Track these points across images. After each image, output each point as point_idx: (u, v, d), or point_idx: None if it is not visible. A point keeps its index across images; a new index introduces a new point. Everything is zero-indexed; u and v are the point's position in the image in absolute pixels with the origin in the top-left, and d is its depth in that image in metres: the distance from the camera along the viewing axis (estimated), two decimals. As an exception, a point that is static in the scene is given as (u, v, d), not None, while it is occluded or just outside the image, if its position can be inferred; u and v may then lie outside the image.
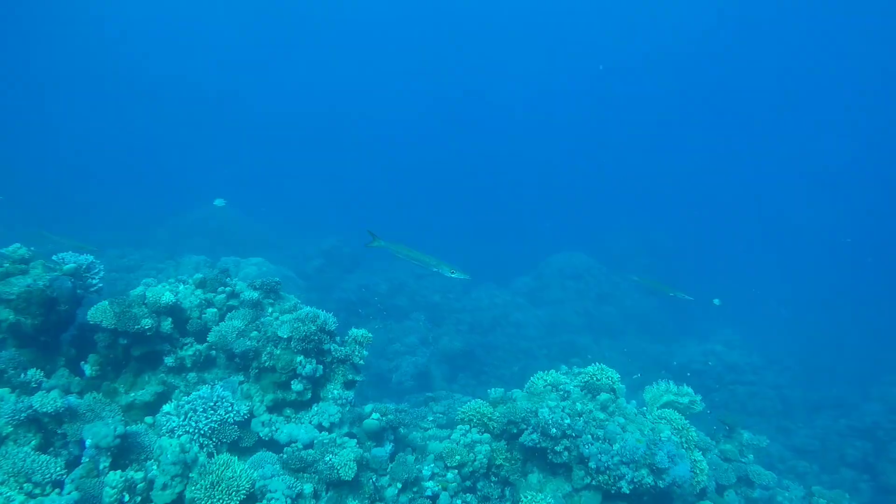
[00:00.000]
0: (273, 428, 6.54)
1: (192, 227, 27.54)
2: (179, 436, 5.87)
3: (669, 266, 29.32)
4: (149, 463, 5.29)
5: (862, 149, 60.43)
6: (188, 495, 4.97)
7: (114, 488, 4.70)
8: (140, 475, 4.96)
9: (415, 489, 6.20)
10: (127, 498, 4.77)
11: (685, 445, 6.77)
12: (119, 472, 4.85)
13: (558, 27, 67.38)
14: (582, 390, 7.07)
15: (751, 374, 17.44)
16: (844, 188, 58.94)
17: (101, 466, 5.12)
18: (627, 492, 6.13)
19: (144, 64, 64.09)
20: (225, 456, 5.30)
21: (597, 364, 7.38)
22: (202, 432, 6.03)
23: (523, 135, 70.41)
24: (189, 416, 6.06)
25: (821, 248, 46.58)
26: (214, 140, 61.16)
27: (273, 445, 6.48)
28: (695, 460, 6.74)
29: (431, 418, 8.20)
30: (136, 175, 45.45)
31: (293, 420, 6.72)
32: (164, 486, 4.94)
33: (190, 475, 5.08)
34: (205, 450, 5.98)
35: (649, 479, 6.17)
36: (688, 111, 69.44)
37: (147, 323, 6.53)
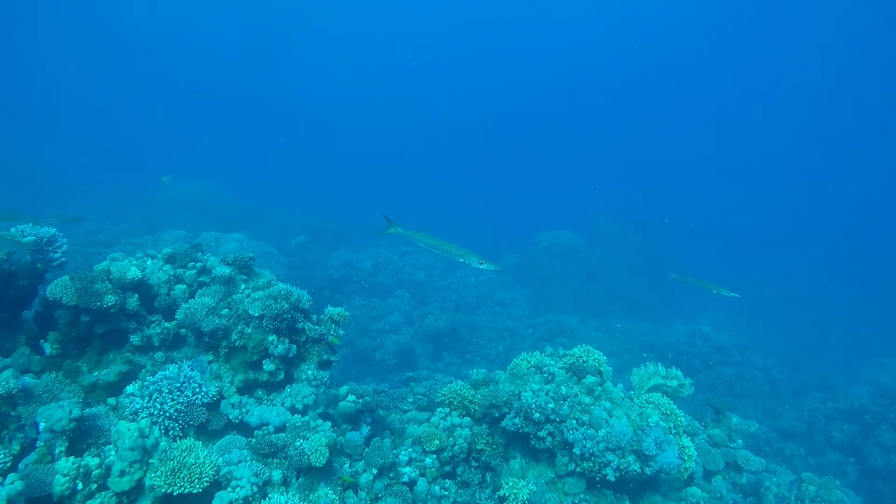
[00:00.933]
0: (243, 410, 6.24)
1: (173, 201, 26.96)
2: (143, 418, 5.57)
3: (657, 245, 29.10)
4: (107, 448, 4.98)
5: (853, 132, 60.47)
6: (147, 482, 4.67)
7: (65, 476, 4.39)
8: (96, 461, 4.64)
9: (391, 475, 5.95)
10: (81, 486, 4.46)
11: (673, 431, 6.54)
12: (72, 458, 4.53)
13: (541, 9, 66.65)
14: (567, 373, 6.81)
15: (738, 354, 17.30)
16: (834, 172, 59.10)
17: (56, 451, 4.80)
18: (613, 479, 5.90)
19: (134, 45, 63.02)
20: (188, 441, 4.98)
21: (583, 345, 7.11)
22: (167, 414, 5.72)
23: (510, 113, 69.87)
24: (154, 397, 5.75)
25: (809, 229, 46.78)
26: (199, 116, 60.31)
27: (244, 428, 6.19)
28: (683, 446, 6.51)
29: (412, 400, 7.92)
30: (117, 149, 44.68)
31: (265, 402, 6.43)
32: (122, 473, 4.64)
33: (150, 461, 4.78)
34: (170, 433, 5.68)
35: (636, 467, 5.94)
36: (674, 91, 69.10)
37: (110, 299, 6.19)
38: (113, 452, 4.76)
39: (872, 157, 59.08)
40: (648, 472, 5.99)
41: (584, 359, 6.87)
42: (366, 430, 6.57)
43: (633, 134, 66.78)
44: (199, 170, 34.26)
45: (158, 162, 39.64)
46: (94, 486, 4.53)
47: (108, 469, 4.68)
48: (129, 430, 4.70)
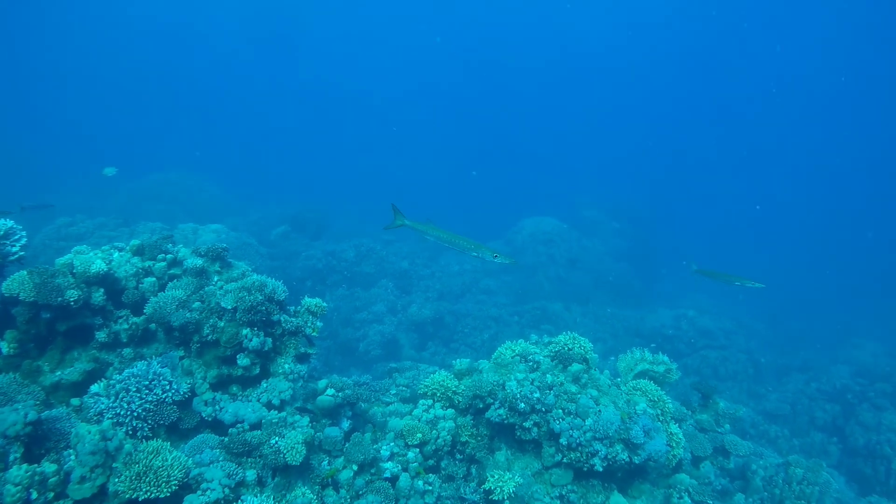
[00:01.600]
0: (217, 407, 5.99)
1: (150, 192, 26.36)
2: (108, 419, 5.29)
3: (641, 231, 29.08)
4: (68, 452, 4.69)
5: (836, 115, 60.93)
6: (111, 488, 4.40)
7: (17, 486, 4.09)
8: (54, 468, 4.34)
9: (372, 471, 5.72)
10: (35, 495, 4.16)
11: (661, 418, 6.38)
12: (25, 465, 4.23)
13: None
14: (552, 360, 6.62)
15: (722, 338, 17.31)
16: (817, 155, 59.54)
17: (10, 458, 4.50)
18: (601, 469, 5.73)
19: (117, 33, 61.73)
20: (155, 442, 4.72)
21: (568, 332, 6.91)
22: (135, 414, 5.45)
23: (495, 100, 69.43)
24: (120, 396, 5.48)
25: (790, 214, 47.16)
26: (182, 107, 59.32)
27: (218, 426, 5.95)
28: (671, 433, 6.36)
29: (394, 391, 7.70)
30: (91, 137, 43.74)
31: (240, 398, 6.17)
32: (83, 479, 4.36)
33: (113, 465, 4.50)
34: (138, 433, 5.41)
35: (624, 456, 5.77)
36: (659, 78, 69.03)
37: (72, 294, 5.87)
38: (73, 457, 4.48)
39: (851, 145, 59.61)
40: (637, 461, 5.83)
41: (570, 346, 6.68)
42: (346, 424, 6.34)
43: (618, 122, 66.78)
44: (178, 160, 33.62)
45: (137, 153, 38.88)
46: (51, 494, 4.24)
47: (68, 475, 4.39)
48: (89, 432, 4.42)
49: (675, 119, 67.62)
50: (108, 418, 5.29)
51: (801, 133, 61.96)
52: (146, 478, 4.41)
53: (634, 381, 6.74)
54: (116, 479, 4.38)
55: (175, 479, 4.50)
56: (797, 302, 26.97)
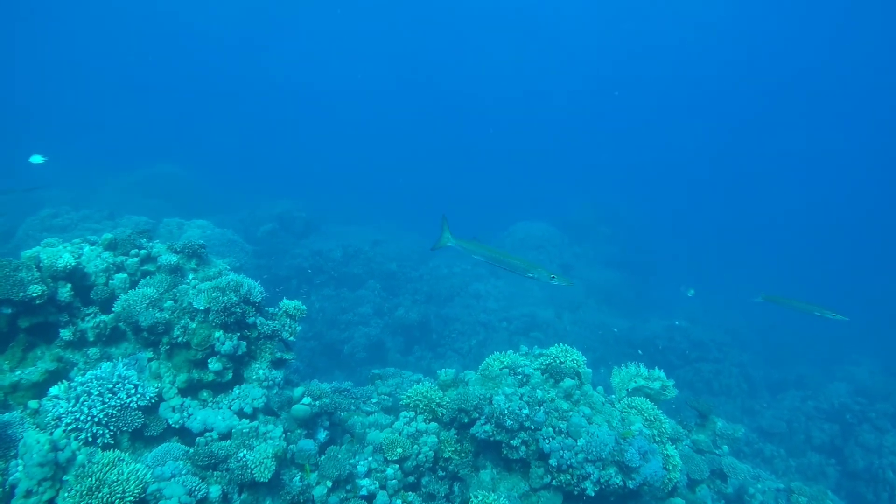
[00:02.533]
0: (185, 414, 5.60)
1: (141, 186, 25.98)
2: (68, 423, 4.91)
3: (631, 236, 28.83)
4: (15, 462, 4.31)
5: (837, 120, 60.96)
6: (59, 503, 4.03)
7: (-48, 500, 3.73)
8: (-3, 480, 3.99)
9: (348, 487, 5.36)
10: (-28, 511, 3.81)
11: (657, 439, 6.05)
12: (-37, 477, 3.87)
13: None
14: (543, 374, 6.28)
15: (716, 351, 16.98)
16: (815, 163, 59.56)
17: (-48, 467, 4.14)
18: (592, 494, 5.37)
19: (107, 23, 61.13)
20: (112, 454, 4.35)
21: (560, 345, 6.58)
22: (96, 420, 5.06)
23: (484, 103, 69.25)
24: (81, 399, 5.09)
25: (784, 223, 47.12)
26: (174, 100, 58.75)
27: (186, 434, 5.57)
28: (667, 455, 6.02)
29: (376, 400, 7.32)
30: (84, 131, 43.18)
31: (210, 405, 5.79)
32: (29, 494, 4.00)
33: (64, 478, 4.14)
34: (98, 441, 5.03)
35: (618, 479, 5.42)
36: (646, 82, 68.91)
37: (36, 290, 5.49)
38: (20, 468, 4.10)
39: (852, 150, 59.65)
40: (631, 486, 5.48)
41: (562, 359, 6.35)
42: (323, 435, 5.97)
43: (611, 127, 66.70)
44: (167, 154, 33.16)
45: (130, 146, 38.34)
46: (-9, 509, 3.89)
47: (13, 489, 4.03)
48: (38, 442, 4.06)
49: (669, 125, 67.65)
50: (66, 423, 4.91)
51: (799, 140, 62.02)
52: (98, 493, 4.04)
53: (629, 399, 6.41)
54: (65, 494, 4.02)
55: (130, 496, 4.13)
56: (790, 313, 26.75)
